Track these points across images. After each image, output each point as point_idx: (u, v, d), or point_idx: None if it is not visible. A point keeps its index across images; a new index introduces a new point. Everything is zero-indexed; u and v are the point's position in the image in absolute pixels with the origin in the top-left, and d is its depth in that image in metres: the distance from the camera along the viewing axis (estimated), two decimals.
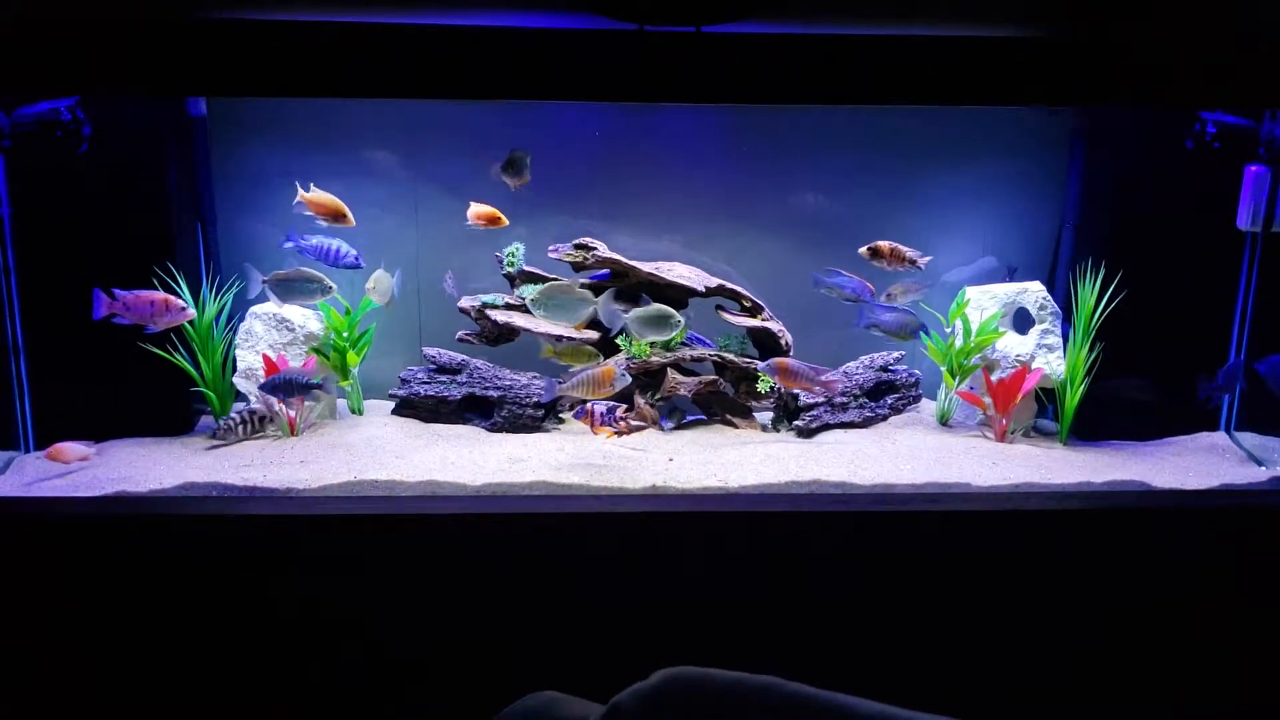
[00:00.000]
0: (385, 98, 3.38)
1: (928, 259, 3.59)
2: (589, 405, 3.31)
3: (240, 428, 3.44)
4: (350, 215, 3.52)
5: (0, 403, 3.41)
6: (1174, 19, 2.96)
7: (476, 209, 3.58)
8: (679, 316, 3.48)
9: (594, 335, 3.74)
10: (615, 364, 3.44)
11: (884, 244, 3.59)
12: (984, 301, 3.78)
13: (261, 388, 3.41)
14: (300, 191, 3.49)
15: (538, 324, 3.73)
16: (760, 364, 3.50)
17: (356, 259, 3.58)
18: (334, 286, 3.51)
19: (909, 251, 3.58)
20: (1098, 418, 3.65)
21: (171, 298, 3.33)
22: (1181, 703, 3.12)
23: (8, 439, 3.42)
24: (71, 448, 3.22)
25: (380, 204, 3.89)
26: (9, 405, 3.43)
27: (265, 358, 3.49)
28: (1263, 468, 3.42)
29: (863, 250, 3.60)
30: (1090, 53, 2.98)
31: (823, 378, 3.40)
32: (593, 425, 3.30)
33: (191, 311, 3.40)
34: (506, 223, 3.61)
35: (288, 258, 3.64)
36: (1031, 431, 3.72)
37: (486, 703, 1.74)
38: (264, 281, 3.43)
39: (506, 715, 1.68)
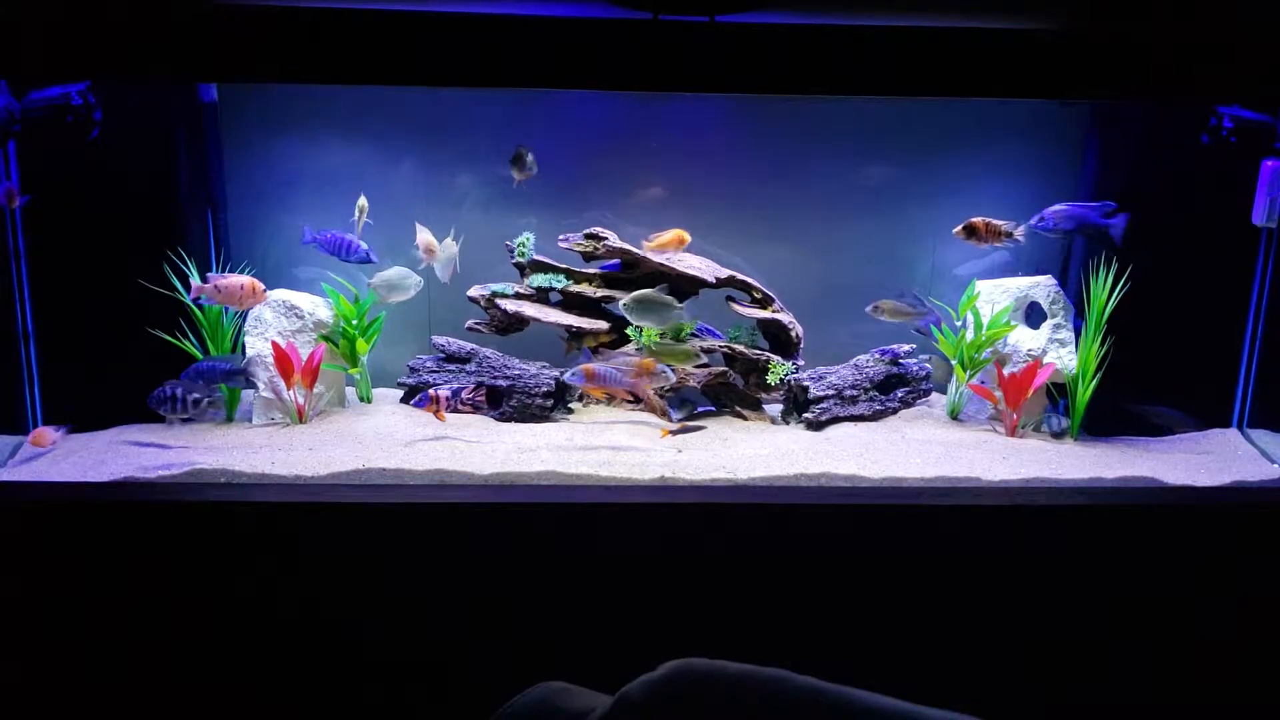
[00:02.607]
0: (397, 85, 3.38)
1: (1023, 228, 3.56)
2: (432, 390, 3.30)
3: (171, 404, 3.33)
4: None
5: (10, 388, 3.42)
6: (1188, 13, 2.93)
7: (666, 236, 3.62)
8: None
9: (604, 325, 3.74)
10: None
11: (978, 220, 3.57)
12: (995, 295, 3.76)
13: (184, 376, 3.38)
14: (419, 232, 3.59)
15: (548, 313, 3.73)
16: (568, 375, 3.40)
17: (368, 253, 3.60)
18: (423, 281, 3.67)
19: (1004, 225, 3.56)
20: (1109, 413, 3.63)
21: (256, 281, 3.41)
22: (1194, 701, 3.11)
23: (18, 424, 3.43)
24: (47, 431, 3.25)
25: (391, 192, 3.88)
26: (19, 391, 3.44)
27: (274, 345, 3.48)
28: (1275, 465, 3.40)
29: (957, 230, 3.60)
30: (1104, 47, 2.96)
31: (628, 379, 3.37)
32: (437, 411, 3.28)
33: (267, 294, 3.49)
34: (688, 239, 3.66)
35: (309, 250, 3.69)
36: (1043, 427, 3.70)
37: (493, 693, 1.73)
38: (370, 285, 3.60)
39: (514, 705, 1.67)
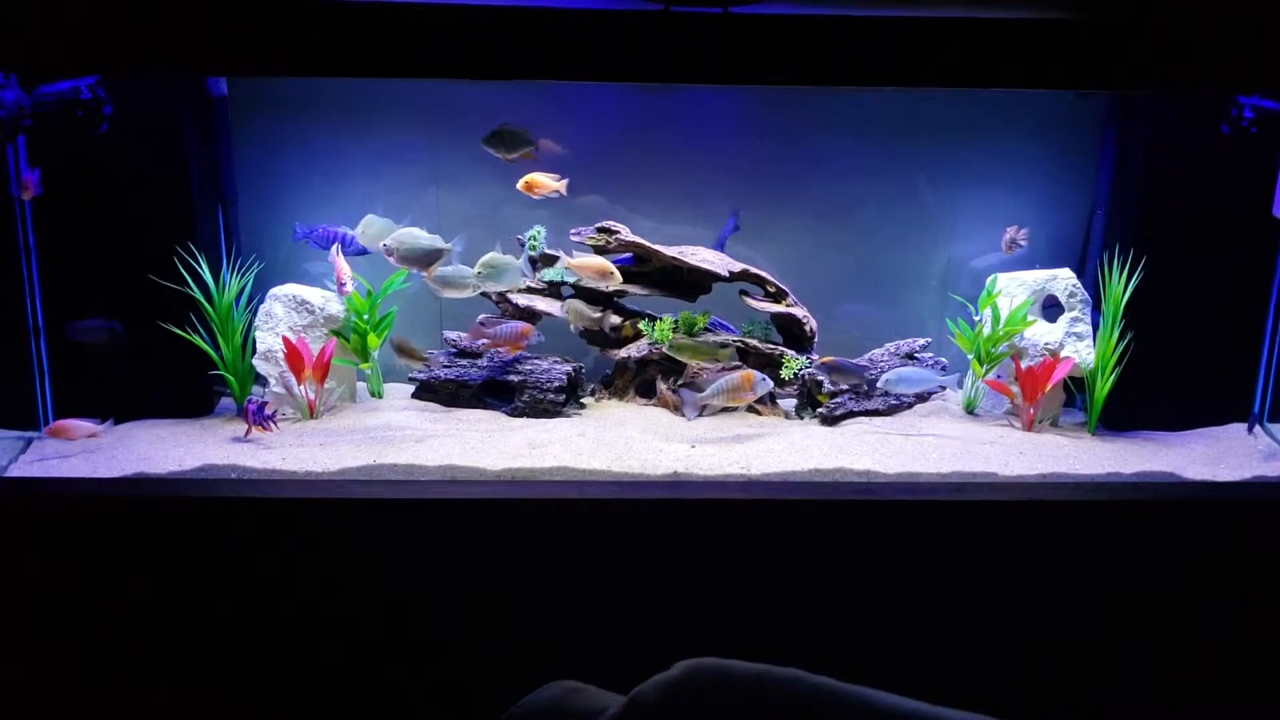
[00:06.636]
0: (407, 77, 3.35)
1: (1025, 230, 3.69)
2: (246, 404, 3.28)
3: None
4: (617, 273, 3.59)
5: (20, 384, 3.41)
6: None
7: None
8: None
9: (616, 320, 3.72)
10: (755, 374, 3.43)
11: (1005, 238, 3.73)
12: (1013, 289, 3.73)
13: (78, 326, 3.43)
14: (566, 260, 3.60)
15: (560, 307, 3.71)
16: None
17: (364, 246, 3.58)
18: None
19: (1007, 233, 3.74)
20: (1127, 407, 3.59)
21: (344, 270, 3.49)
22: (1210, 701, 3.08)
23: (27, 420, 3.42)
24: (78, 425, 3.22)
25: (401, 185, 3.87)
26: (29, 387, 3.43)
27: (285, 340, 3.47)
28: None
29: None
30: (1122, 35, 2.92)
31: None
32: (250, 425, 3.27)
33: (350, 289, 3.53)
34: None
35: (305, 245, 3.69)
36: (1060, 420, 3.66)
37: (504, 691, 1.72)
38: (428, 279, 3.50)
39: (525, 704, 1.66)
